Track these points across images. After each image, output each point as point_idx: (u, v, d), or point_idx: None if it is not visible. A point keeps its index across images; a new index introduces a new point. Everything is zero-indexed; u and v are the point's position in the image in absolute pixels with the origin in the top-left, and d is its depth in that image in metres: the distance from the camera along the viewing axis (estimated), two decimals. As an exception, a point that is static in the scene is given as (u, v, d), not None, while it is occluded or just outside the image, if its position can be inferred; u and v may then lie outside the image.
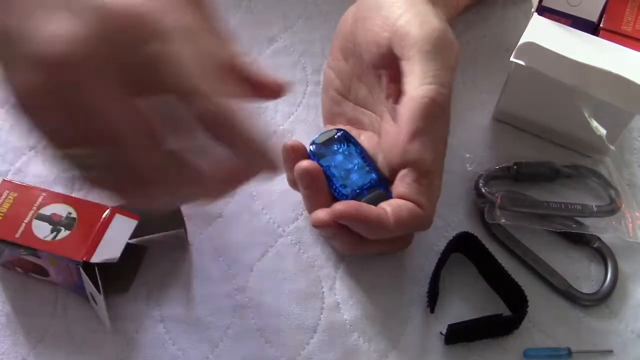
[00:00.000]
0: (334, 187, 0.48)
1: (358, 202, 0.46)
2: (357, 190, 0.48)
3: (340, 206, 0.45)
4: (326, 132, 0.50)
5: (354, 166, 0.48)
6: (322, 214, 0.46)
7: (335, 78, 0.50)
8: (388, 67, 0.47)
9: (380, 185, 0.48)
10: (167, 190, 0.35)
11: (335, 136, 0.49)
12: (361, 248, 0.47)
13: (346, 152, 0.49)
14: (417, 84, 0.44)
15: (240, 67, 0.38)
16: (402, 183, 0.46)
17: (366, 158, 0.49)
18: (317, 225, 0.46)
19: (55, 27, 0.31)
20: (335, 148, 0.49)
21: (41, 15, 0.32)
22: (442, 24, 0.46)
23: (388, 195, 0.47)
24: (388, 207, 0.45)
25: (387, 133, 0.49)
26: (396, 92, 0.47)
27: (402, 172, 0.46)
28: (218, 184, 0.36)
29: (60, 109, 0.32)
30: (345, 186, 0.48)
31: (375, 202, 0.46)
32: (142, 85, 0.32)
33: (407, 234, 0.49)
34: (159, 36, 0.32)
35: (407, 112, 0.44)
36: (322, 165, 0.48)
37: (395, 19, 0.46)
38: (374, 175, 0.48)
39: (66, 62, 0.31)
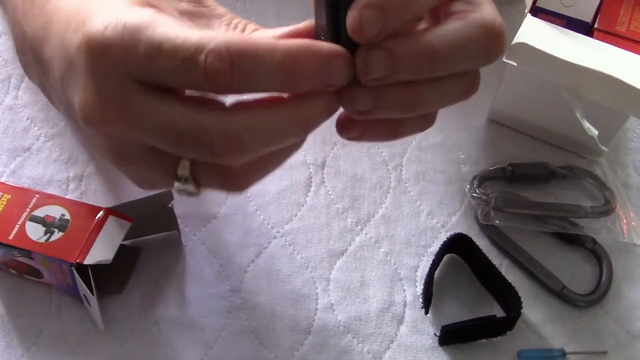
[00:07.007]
0: None
1: None
2: None
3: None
4: None
5: None
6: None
7: None
8: None
9: None
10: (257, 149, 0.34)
11: None
12: (424, 95, 0.35)
13: None
14: None
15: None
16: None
17: None
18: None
19: (75, 99, 0.34)
20: None
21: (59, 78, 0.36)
22: None
23: None
24: None
25: None
26: None
27: None
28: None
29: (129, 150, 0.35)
30: None
31: None
32: (160, 76, 0.33)
33: (472, 67, 0.36)
34: (140, 35, 0.32)
35: None
36: None
37: None
38: None
39: (92, 122, 0.34)
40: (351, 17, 0.32)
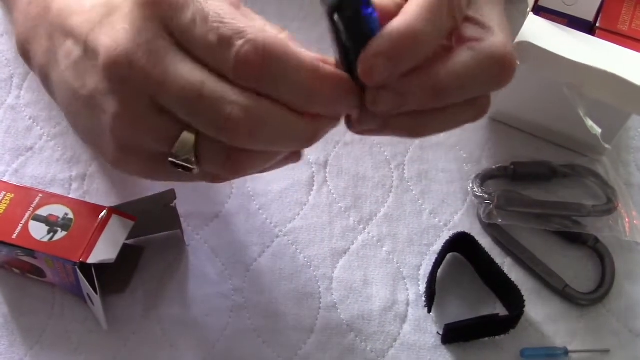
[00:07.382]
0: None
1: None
2: None
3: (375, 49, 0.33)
4: None
5: None
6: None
7: None
8: None
9: None
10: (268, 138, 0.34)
11: None
12: (431, 123, 0.37)
13: None
14: None
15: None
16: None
17: None
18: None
19: (105, 39, 0.35)
20: None
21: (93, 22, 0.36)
22: None
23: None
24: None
25: None
26: None
27: None
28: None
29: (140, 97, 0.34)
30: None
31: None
32: (195, 45, 0.34)
33: (482, 94, 0.37)
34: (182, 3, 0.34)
35: None
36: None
37: None
38: None
39: (116, 63, 0.34)
40: (362, 65, 0.34)
